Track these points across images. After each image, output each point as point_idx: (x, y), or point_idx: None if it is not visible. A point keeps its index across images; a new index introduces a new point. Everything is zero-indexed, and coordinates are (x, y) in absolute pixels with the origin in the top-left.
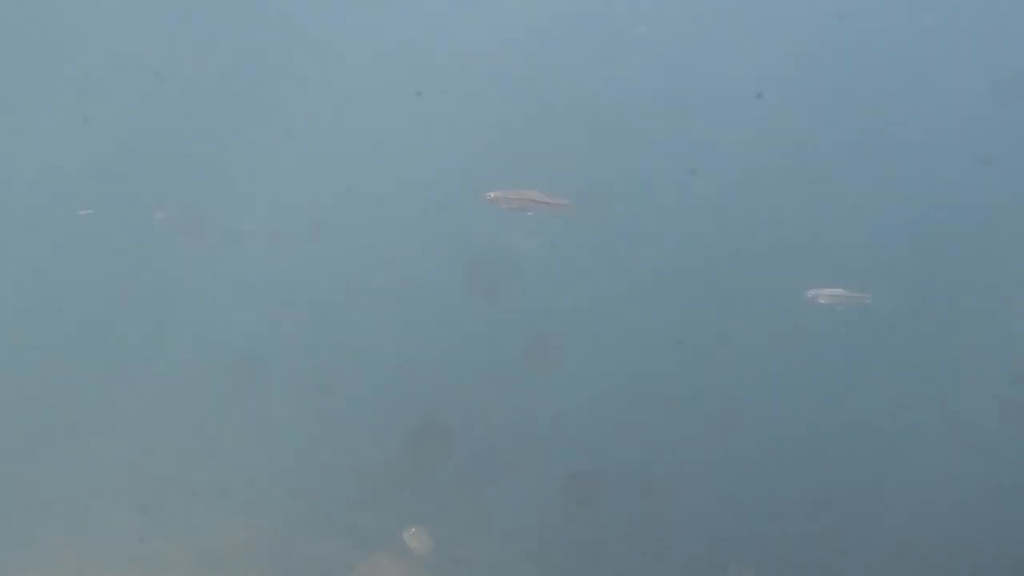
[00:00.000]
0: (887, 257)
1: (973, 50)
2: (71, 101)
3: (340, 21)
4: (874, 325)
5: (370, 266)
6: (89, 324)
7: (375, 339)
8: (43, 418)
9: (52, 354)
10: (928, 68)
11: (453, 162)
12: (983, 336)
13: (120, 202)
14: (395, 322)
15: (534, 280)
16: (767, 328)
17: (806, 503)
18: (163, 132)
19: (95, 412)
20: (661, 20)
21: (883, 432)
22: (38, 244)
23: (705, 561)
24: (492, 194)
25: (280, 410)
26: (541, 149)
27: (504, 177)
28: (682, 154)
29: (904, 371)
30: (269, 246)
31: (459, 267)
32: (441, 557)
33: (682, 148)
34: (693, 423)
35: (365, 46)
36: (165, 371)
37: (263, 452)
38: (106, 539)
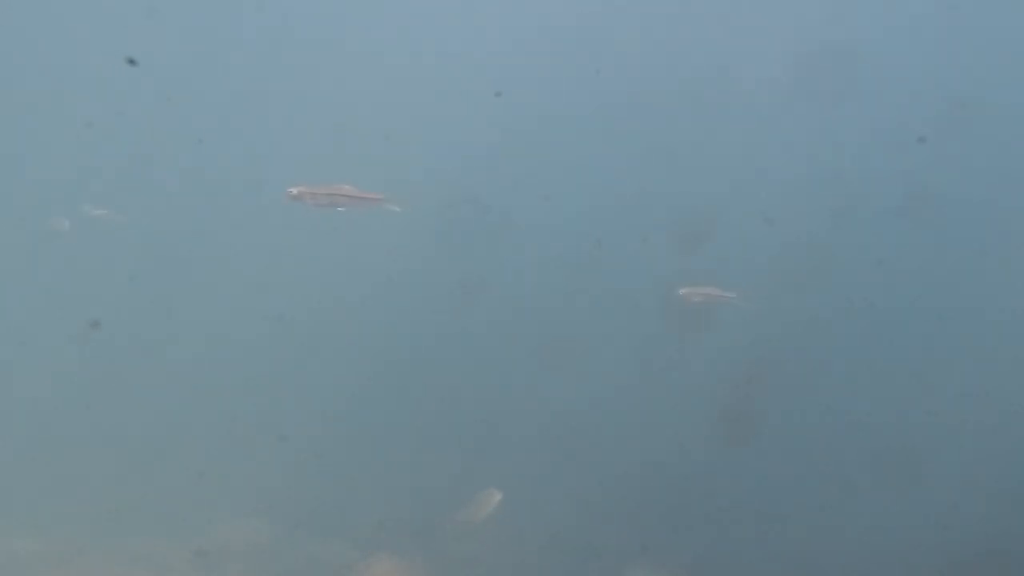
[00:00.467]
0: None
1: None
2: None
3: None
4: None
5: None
6: (93, 319)
7: (380, 335)
8: (43, 417)
9: (51, 353)
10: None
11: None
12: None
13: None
14: (395, 323)
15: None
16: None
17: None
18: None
19: (96, 410)
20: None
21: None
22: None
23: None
24: (294, 190)
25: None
26: None
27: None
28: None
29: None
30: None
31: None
32: None
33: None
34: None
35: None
36: (168, 369)
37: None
38: (106, 539)
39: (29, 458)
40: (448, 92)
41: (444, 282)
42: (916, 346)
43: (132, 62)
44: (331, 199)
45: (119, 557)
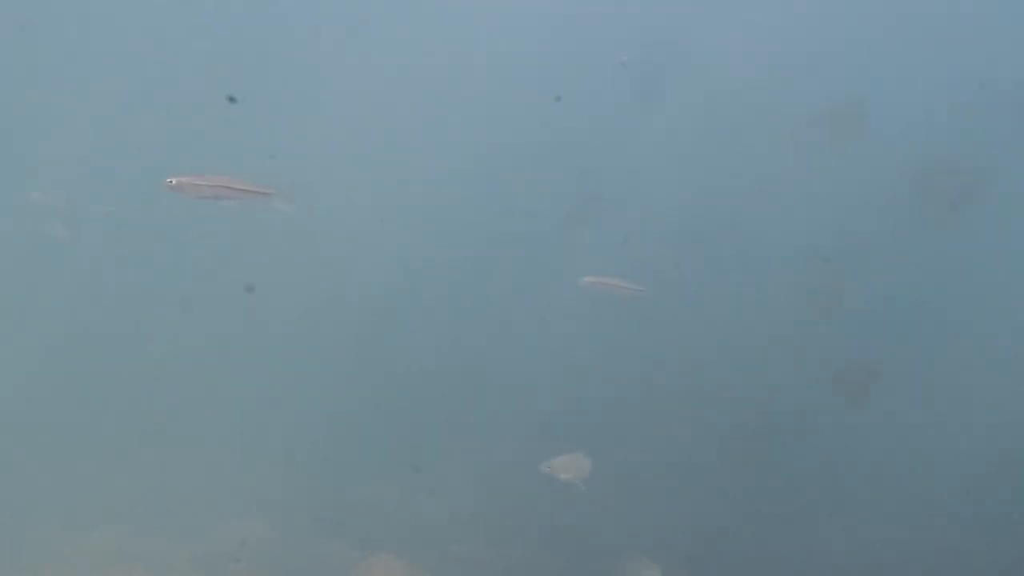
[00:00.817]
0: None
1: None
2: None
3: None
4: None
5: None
6: (92, 320)
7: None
8: (43, 417)
9: (51, 353)
10: None
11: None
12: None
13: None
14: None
15: None
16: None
17: None
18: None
19: (97, 411)
20: None
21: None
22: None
23: None
24: (173, 180)
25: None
26: None
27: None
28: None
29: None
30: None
31: None
32: None
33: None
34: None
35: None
36: (170, 371)
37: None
38: (106, 539)
39: (29, 459)
40: (509, 95)
41: (457, 281)
42: None
43: (232, 100)
44: (215, 191)
45: (119, 557)
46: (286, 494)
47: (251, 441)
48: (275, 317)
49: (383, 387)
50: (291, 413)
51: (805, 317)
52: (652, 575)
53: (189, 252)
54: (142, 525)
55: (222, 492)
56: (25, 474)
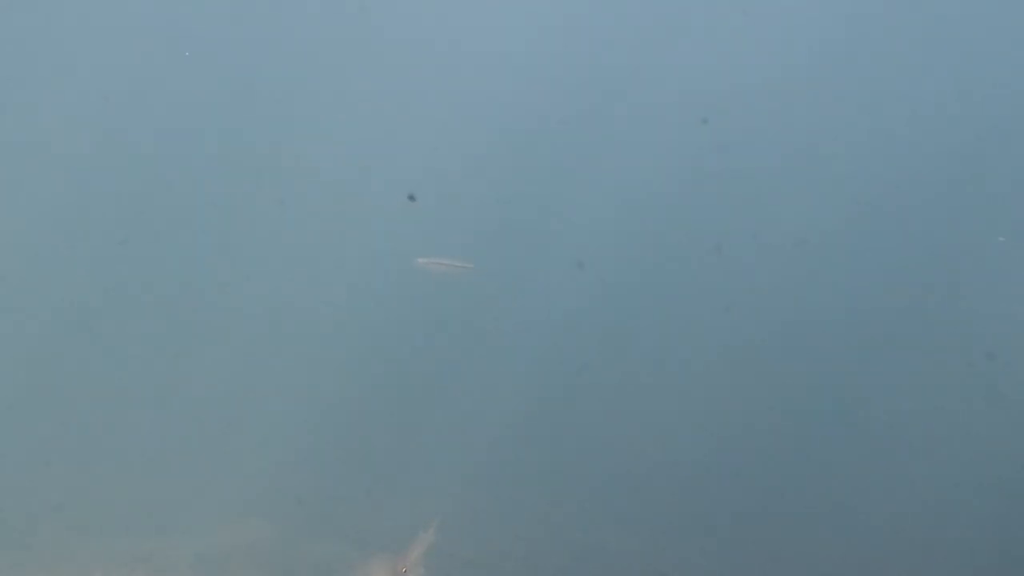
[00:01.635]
0: None
1: None
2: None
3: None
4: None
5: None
6: (95, 320)
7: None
8: (42, 417)
9: (53, 351)
10: None
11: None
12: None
13: None
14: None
15: None
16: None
17: None
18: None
19: (96, 410)
20: None
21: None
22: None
23: None
24: None
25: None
26: None
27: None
28: None
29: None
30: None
31: None
32: None
33: None
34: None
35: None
36: (167, 370)
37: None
38: (106, 539)
39: (28, 458)
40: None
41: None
42: None
43: (412, 198)
44: None
45: (119, 557)
46: (286, 494)
47: (252, 441)
48: (275, 316)
49: (384, 387)
50: (292, 413)
51: None
52: None
53: (183, 252)
54: (142, 525)
55: (222, 492)
56: (24, 475)
